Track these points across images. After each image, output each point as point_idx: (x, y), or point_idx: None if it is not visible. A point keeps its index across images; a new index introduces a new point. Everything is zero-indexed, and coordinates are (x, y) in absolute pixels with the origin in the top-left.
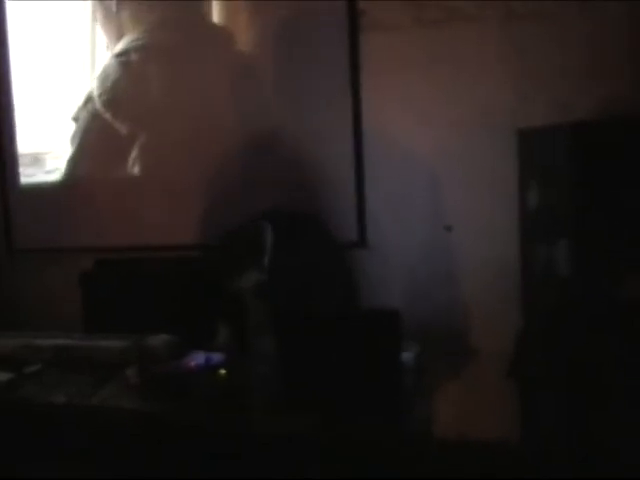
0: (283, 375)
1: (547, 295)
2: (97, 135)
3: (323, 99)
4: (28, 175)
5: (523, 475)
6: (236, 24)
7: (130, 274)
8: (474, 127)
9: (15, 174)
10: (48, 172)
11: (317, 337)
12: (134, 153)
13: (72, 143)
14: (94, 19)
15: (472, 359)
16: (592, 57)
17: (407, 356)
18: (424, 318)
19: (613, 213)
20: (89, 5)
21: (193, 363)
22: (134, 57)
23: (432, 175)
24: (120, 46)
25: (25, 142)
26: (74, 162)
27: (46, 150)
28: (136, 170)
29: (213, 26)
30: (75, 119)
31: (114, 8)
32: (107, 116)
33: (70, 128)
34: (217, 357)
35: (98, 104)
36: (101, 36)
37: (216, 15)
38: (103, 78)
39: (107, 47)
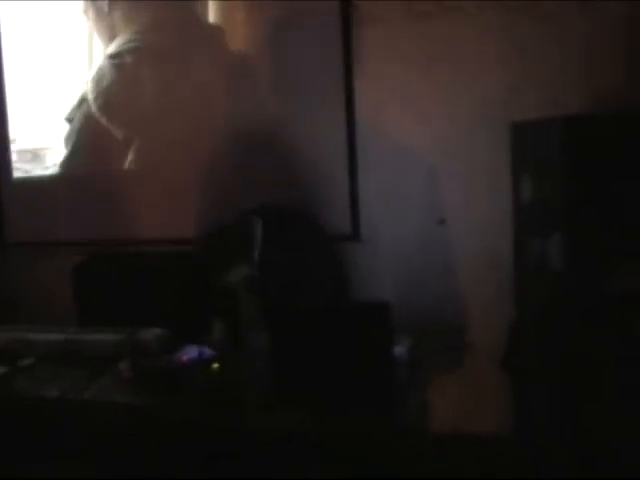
0: (275, 369)
1: (540, 287)
2: (92, 137)
3: (316, 94)
4: (26, 171)
5: (517, 468)
6: (231, 23)
7: (122, 268)
8: (468, 120)
9: (7, 168)
10: (46, 168)
11: (308, 331)
12: (130, 155)
13: (66, 144)
14: (87, 18)
15: (465, 352)
16: (587, 55)
17: (400, 349)
18: (417, 311)
19: (606, 206)
20: (82, 4)
21: (185, 357)
22: (128, 59)
23: (425, 168)
24: (113, 47)
25: (25, 138)
26: (68, 163)
27: (46, 146)
28: (131, 167)
29: (206, 26)
30: (69, 120)
31: (106, 8)
32: (102, 120)
33: (65, 128)
34: (210, 351)
35: (93, 107)
36: None
37: (211, 14)
38: (97, 80)
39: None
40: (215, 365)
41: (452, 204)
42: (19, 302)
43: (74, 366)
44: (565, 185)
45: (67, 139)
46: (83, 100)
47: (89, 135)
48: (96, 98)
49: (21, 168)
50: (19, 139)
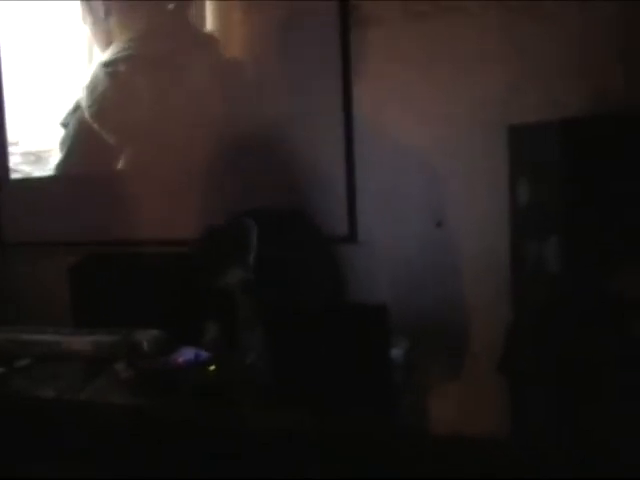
0: (271, 371)
1: (537, 290)
2: (85, 142)
3: (314, 96)
4: (29, 173)
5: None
6: (229, 24)
7: (119, 268)
8: (466, 122)
9: (5, 168)
10: (50, 170)
11: (305, 333)
12: (123, 160)
13: (61, 148)
14: (85, 23)
15: (462, 354)
16: (587, 55)
17: (396, 352)
18: (414, 313)
19: (603, 209)
20: (80, 9)
21: (181, 359)
22: (121, 68)
23: (423, 170)
24: (107, 55)
25: (29, 141)
26: (63, 166)
27: (49, 149)
28: (125, 171)
29: (201, 32)
30: (64, 125)
31: (102, 14)
32: (95, 126)
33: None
34: (206, 353)
35: (87, 114)
36: None
37: (209, 15)
38: (91, 88)
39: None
40: (212, 367)
41: (450, 206)
42: (17, 302)
43: (70, 367)
44: (562, 188)
45: (62, 143)
46: (78, 106)
47: (83, 140)
48: (89, 105)
49: (25, 170)
50: (22, 141)
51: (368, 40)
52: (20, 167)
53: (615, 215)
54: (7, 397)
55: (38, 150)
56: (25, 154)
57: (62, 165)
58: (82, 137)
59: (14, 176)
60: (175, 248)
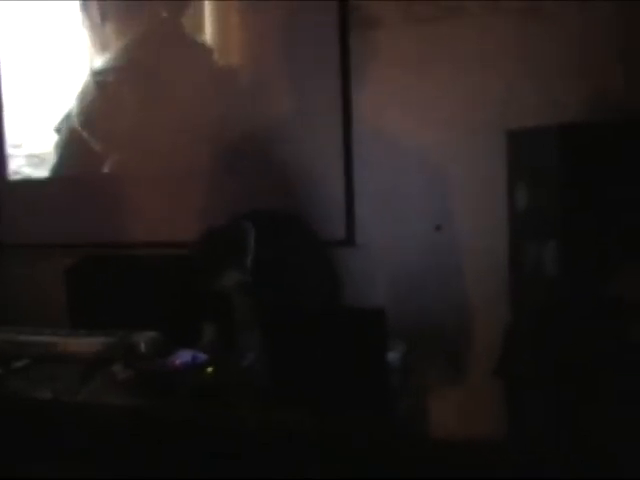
0: (269, 373)
1: (535, 293)
2: (75, 148)
3: (313, 96)
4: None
5: (511, 473)
6: (229, 25)
7: (117, 270)
8: (464, 126)
9: (4, 170)
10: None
11: (302, 335)
12: (114, 164)
13: (55, 153)
14: (84, 27)
15: (459, 358)
16: (587, 56)
17: (393, 356)
18: (411, 317)
19: (601, 213)
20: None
21: (179, 361)
22: (110, 78)
23: (422, 173)
24: (99, 63)
25: (33, 143)
26: (55, 170)
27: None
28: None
29: (198, 35)
30: (57, 130)
31: (99, 20)
32: (84, 134)
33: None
34: (204, 355)
35: (76, 122)
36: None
37: (207, 16)
38: (80, 96)
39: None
40: (209, 369)
41: (448, 209)
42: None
43: (67, 368)
44: (560, 192)
45: (55, 148)
46: (69, 114)
47: (73, 147)
48: (78, 113)
49: (28, 173)
50: (26, 144)
51: (368, 41)
52: (23, 170)
53: (613, 219)
54: (5, 398)
55: (42, 152)
56: (29, 156)
57: (55, 168)
58: (72, 144)
59: (14, 178)
60: (173, 250)
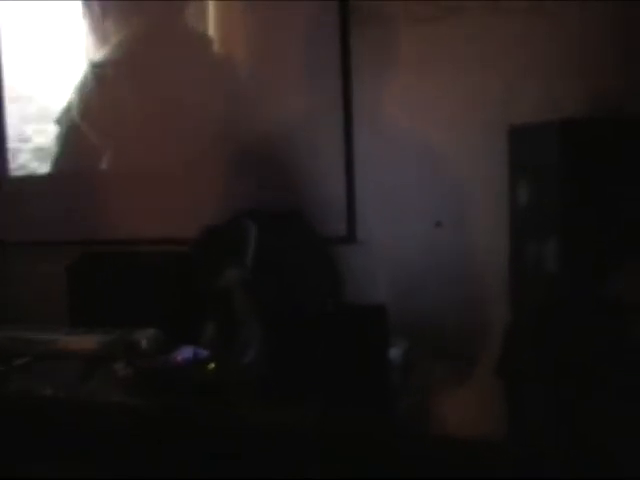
0: (269, 370)
1: (536, 292)
2: (75, 141)
3: (314, 96)
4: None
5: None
6: (229, 24)
7: (118, 267)
8: (465, 122)
9: (5, 166)
10: None
11: (303, 332)
12: (113, 159)
13: (56, 145)
14: (84, 20)
15: (460, 355)
16: (587, 55)
17: (395, 352)
18: (413, 314)
19: (602, 211)
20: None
21: (180, 358)
22: (109, 71)
23: (422, 170)
24: (99, 56)
25: (41, 136)
26: (57, 163)
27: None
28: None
29: (199, 32)
30: (58, 122)
31: (99, 13)
32: (83, 126)
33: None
34: (205, 352)
35: (75, 114)
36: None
37: (207, 15)
38: (80, 88)
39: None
40: (211, 365)
41: (449, 207)
42: (16, 301)
43: (68, 366)
44: (561, 189)
45: (56, 140)
46: (70, 106)
47: (73, 139)
48: (77, 105)
49: (35, 167)
50: (34, 138)
51: (368, 40)
52: (31, 164)
53: (615, 217)
54: (6, 396)
55: (50, 146)
56: (36, 150)
57: (56, 162)
58: (72, 136)
59: (19, 173)
60: (174, 247)
